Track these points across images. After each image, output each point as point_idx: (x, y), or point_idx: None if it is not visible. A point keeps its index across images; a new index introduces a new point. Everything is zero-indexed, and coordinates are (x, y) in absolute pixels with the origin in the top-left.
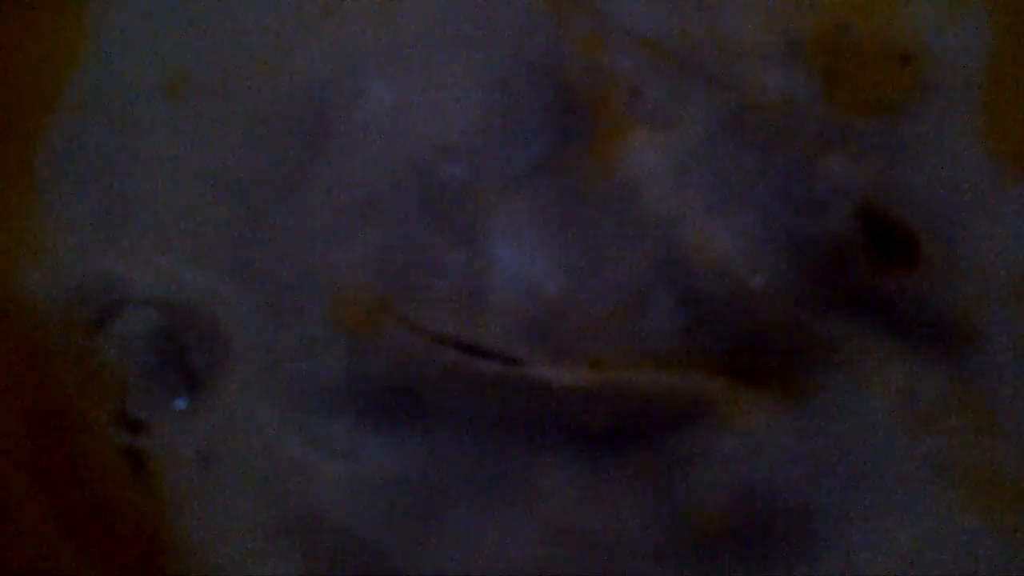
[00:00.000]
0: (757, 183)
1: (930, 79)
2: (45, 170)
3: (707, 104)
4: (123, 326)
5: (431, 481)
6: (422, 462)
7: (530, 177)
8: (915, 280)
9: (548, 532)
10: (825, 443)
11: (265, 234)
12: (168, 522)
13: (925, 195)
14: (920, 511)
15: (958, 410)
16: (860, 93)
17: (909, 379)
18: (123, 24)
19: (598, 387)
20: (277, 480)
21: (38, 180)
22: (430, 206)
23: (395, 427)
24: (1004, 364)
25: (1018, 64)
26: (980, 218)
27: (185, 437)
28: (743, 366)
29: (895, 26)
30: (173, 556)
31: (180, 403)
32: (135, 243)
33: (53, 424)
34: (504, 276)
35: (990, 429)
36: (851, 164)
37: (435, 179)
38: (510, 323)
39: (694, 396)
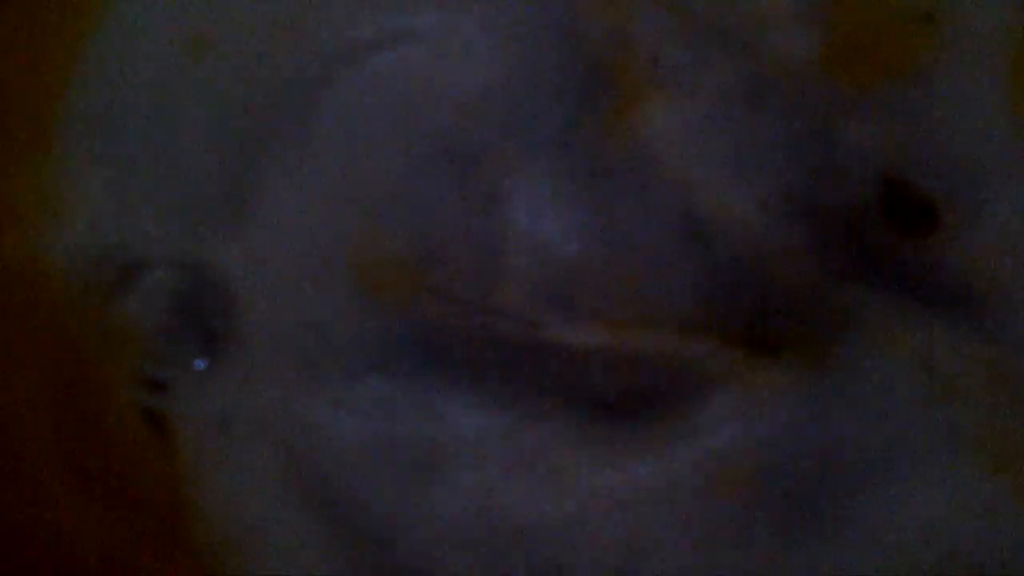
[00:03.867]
0: (776, 149)
1: (952, 40)
2: (65, 133)
3: (727, 70)
4: (142, 288)
5: (450, 444)
6: (440, 427)
7: (550, 141)
8: (934, 246)
9: (569, 496)
10: (844, 411)
11: (283, 196)
12: (188, 483)
13: (945, 160)
14: (939, 479)
15: (978, 378)
16: (882, 56)
17: (928, 346)
18: None
19: (615, 350)
20: (297, 443)
21: (58, 143)
22: (449, 170)
23: (416, 389)
24: None
25: None
26: (1001, 183)
27: (205, 398)
28: (761, 333)
29: None
30: (193, 517)
31: (199, 364)
32: (154, 206)
33: (73, 385)
34: (523, 240)
35: (1010, 397)
36: (870, 130)
37: (455, 142)
38: (527, 286)
39: (712, 363)
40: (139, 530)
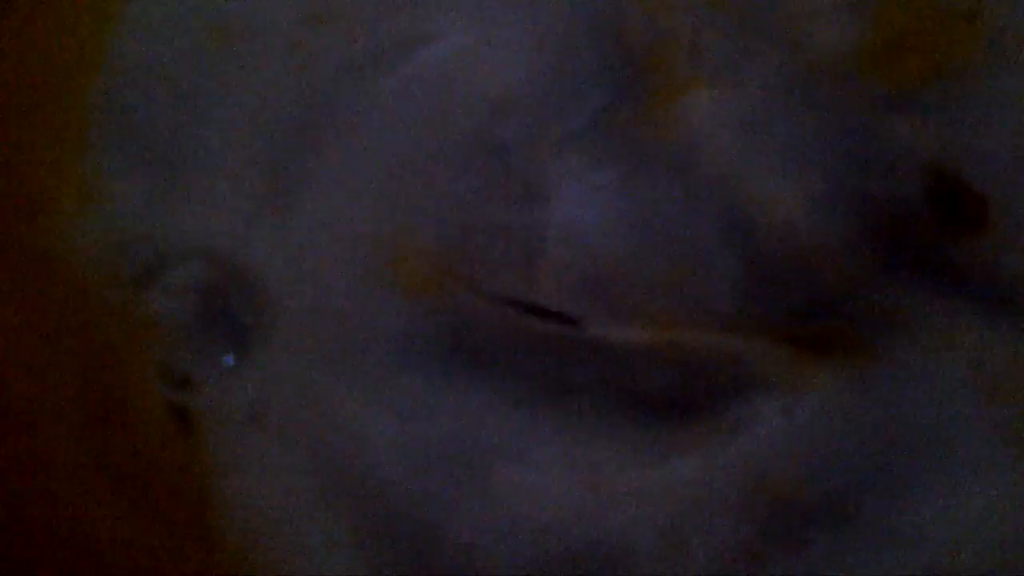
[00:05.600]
0: (822, 143)
1: (996, 38)
2: (93, 125)
3: (769, 62)
4: (170, 281)
5: (485, 441)
6: (476, 422)
7: (587, 134)
8: (983, 244)
9: (610, 496)
10: (891, 411)
11: (315, 186)
12: (215, 480)
13: (993, 156)
14: (989, 479)
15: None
16: (926, 53)
17: (977, 345)
18: None
19: (657, 348)
20: (328, 439)
21: (86, 135)
22: (486, 163)
23: (452, 387)
24: None
25: None
26: None
27: (233, 394)
28: (807, 332)
29: None
30: (219, 514)
31: (228, 360)
32: (182, 198)
33: (99, 379)
34: (561, 234)
35: None
36: (918, 125)
37: (491, 135)
38: (567, 282)
39: (756, 361)
40: (165, 527)
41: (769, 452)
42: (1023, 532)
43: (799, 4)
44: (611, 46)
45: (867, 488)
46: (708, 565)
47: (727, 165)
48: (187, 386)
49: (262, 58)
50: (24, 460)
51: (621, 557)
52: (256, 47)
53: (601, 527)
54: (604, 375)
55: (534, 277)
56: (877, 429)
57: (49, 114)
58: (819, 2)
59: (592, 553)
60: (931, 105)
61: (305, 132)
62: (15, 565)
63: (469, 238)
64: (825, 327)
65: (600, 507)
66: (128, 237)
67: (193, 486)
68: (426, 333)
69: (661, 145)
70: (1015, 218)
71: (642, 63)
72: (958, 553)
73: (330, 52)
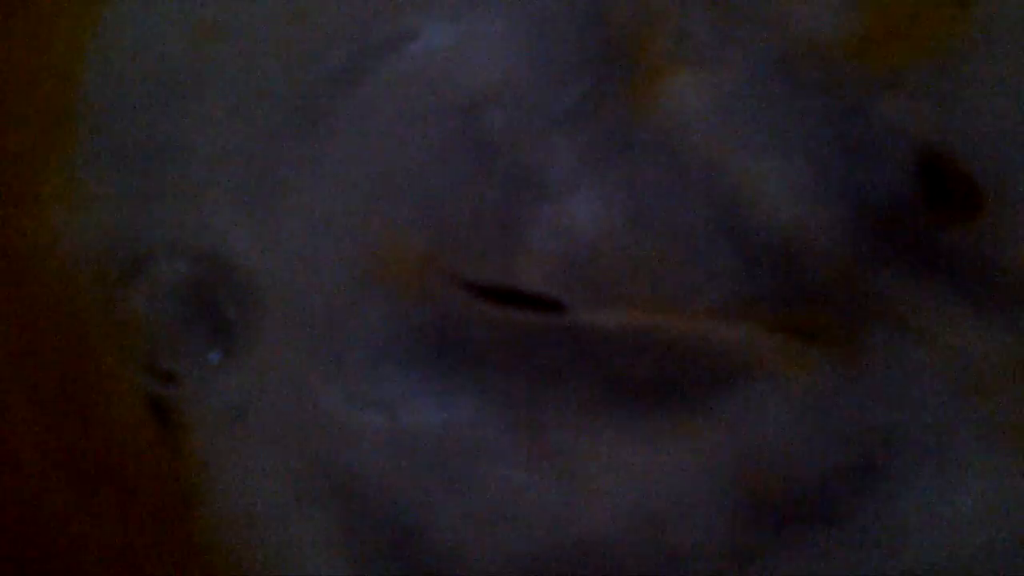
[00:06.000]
0: (809, 127)
1: (989, 21)
2: (76, 124)
3: (754, 44)
4: (154, 277)
5: (472, 437)
6: (463, 418)
7: (571, 119)
8: (975, 232)
9: (596, 488)
10: (877, 401)
11: (300, 183)
12: (199, 478)
13: (985, 142)
14: (978, 477)
15: (1017, 372)
16: (916, 36)
17: (967, 338)
18: None
19: (642, 334)
20: (313, 437)
21: (69, 134)
22: (470, 156)
23: (437, 382)
24: None
25: None
26: None
27: (218, 391)
28: (794, 320)
29: None
30: (203, 513)
31: (213, 357)
32: (167, 196)
33: (79, 377)
34: (545, 219)
35: None
36: (907, 108)
37: (475, 128)
38: (550, 267)
39: (743, 349)
40: (147, 528)
41: (754, 444)
42: (1011, 531)
43: None
44: (595, 31)
45: (853, 482)
46: (694, 560)
47: (713, 149)
48: (172, 383)
49: (245, 55)
50: None
51: (607, 552)
52: (239, 44)
53: (586, 522)
54: (588, 363)
55: (517, 264)
56: (864, 422)
57: (31, 113)
58: None
59: (578, 549)
60: (921, 88)
61: (290, 129)
62: None
63: (453, 232)
64: (813, 315)
65: (585, 501)
66: (112, 235)
67: (177, 485)
68: (411, 329)
69: (646, 130)
70: (1008, 206)
71: (626, 47)
72: (945, 551)
73: (314, 49)
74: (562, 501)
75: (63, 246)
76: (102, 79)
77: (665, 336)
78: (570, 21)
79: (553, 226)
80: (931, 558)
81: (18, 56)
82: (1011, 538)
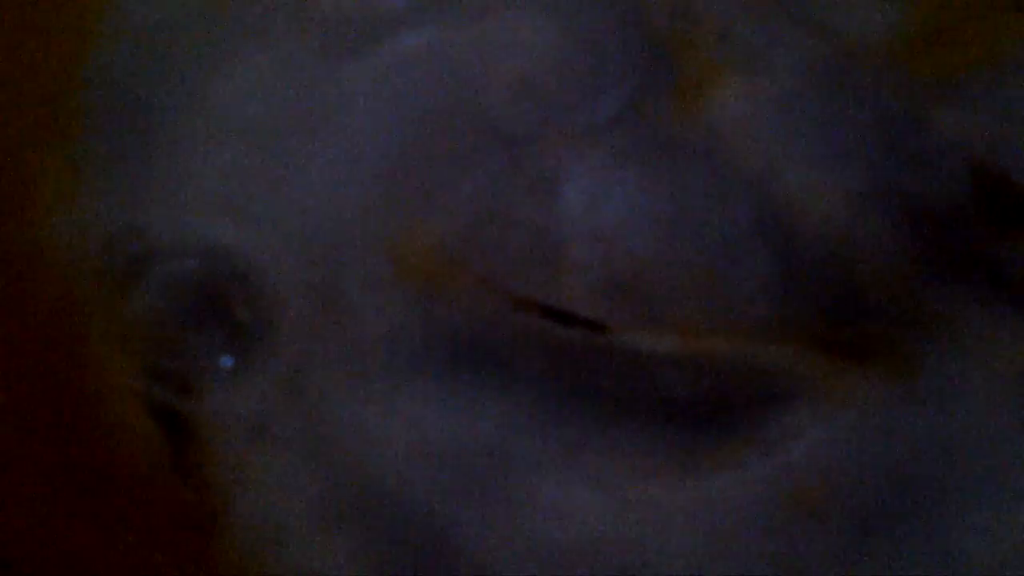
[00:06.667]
0: (861, 135)
1: None
2: (76, 120)
3: (804, 49)
4: (158, 277)
5: (503, 451)
6: (493, 431)
7: (611, 124)
8: None
9: (632, 506)
10: (931, 422)
11: (318, 181)
12: (216, 492)
13: None
14: None
15: None
16: (972, 41)
17: (1022, 354)
18: None
19: (688, 357)
20: (332, 447)
21: (71, 129)
22: (499, 151)
23: (465, 393)
24: None
25: None
26: None
27: (236, 400)
28: (844, 338)
29: None
30: (221, 532)
31: (227, 361)
32: (173, 191)
33: (80, 386)
34: (582, 229)
35: None
36: (963, 118)
37: (505, 122)
38: (591, 282)
39: (791, 369)
40: (159, 547)
41: (805, 466)
42: None
43: None
44: (637, 33)
45: (906, 506)
46: None
47: (760, 158)
48: (185, 391)
49: (254, 42)
50: None
51: (649, 574)
52: (248, 30)
53: (628, 548)
54: (630, 385)
55: (554, 275)
56: (917, 444)
57: (32, 108)
58: None
59: (620, 572)
60: (977, 97)
61: (309, 123)
62: None
63: (481, 232)
64: (863, 332)
65: (627, 526)
66: (115, 232)
67: (191, 500)
68: (438, 334)
69: (689, 137)
70: None
71: (669, 51)
72: (1008, 572)
73: (332, 32)
74: (601, 526)
75: (63, 247)
76: (105, 75)
77: (710, 358)
78: (609, 22)
79: (591, 238)
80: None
81: (17, 52)
82: None
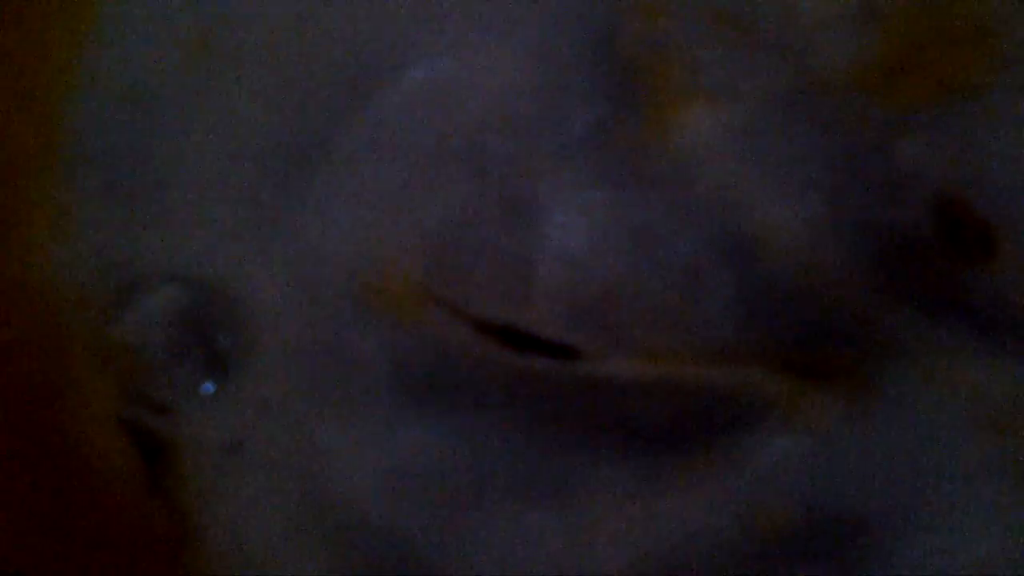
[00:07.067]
0: (826, 163)
1: (1008, 58)
2: (66, 147)
3: (771, 77)
4: (144, 305)
5: (472, 474)
6: (463, 454)
7: (580, 150)
8: (992, 274)
9: (599, 531)
10: (893, 444)
11: (293, 209)
12: (192, 515)
13: (1003, 183)
14: (994, 520)
15: None
16: (934, 72)
17: (982, 378)
18: None
19: (653, 382)
20: (308, 470)
21: (59, 157)
22: (473, 181)
23: (435, 417)
24: None
25: None
26: None
27: (213, 423)
28: (807, 362)
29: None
30: (198, 553)
31: (207, 387)
32: (160, 221)
33: (60, 407)
34: (552, 255)
35: None
36: (925, 148)
37: (479, 153)
38: (559, 308)
39: (756, 394)
40: (130, 566)
41: (768, 487)
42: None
43: (803, 18)
44: (606, 59)
45: (867, 526)
46: None
47: (725, 184)
48: (165, 415)
49: (245, 79)
50: None
51: None
52: (238, 68)
53: (594, 565)
54: (597, 410)
55: (522, 300)
56: (878, 464)
57: (19, 135)
58: (823, 16)
59: None
60: (939, 127)
61: (289, 155)
62: None
63: (454, 261)
64: (826, 356)
65: (592, 541)
66: (102, 262)
67: (166, 521)
68: (410, 363)
69: (657, 162)
70: (1023, 250)
71: (638, 77)
72: None
73: (313, 74)
74: (569, 541)
75: (49, 274)
76: (94, 104)
77: (676, 383)
78: (578, 49)
79: (560, 262)
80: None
81: (5, 80)
82: None
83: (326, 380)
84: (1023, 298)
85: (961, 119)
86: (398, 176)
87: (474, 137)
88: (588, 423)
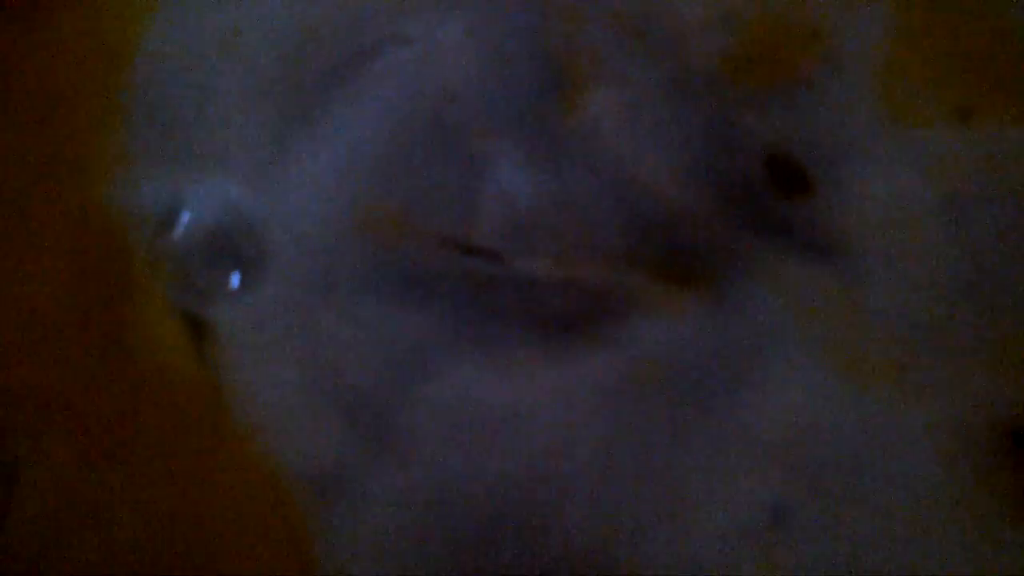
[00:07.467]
0: (692, 131)
1: (834, 53)
2: (127, 102)
3: (657, 67)
4: (186, 223)
5: (434, 345)
6: (428, 332)
7: (516, 119)
8: (806, 206)
9: (515, 386)
10: (731, 329)
11: (307, 158)
12: (225, 375)
13: (821, 143)
14: (804, 379)
15: (837, 306)
16: (776, 63)
17: (800, 281)
18: None
19: (562, 280)
20: (311, 346)
21: (121, 113)
22: (436, 140)
23: (407, 308)
24: (875, 272)
25: (907, 41)
26: (863, 162)
27: (239, 310)
28: (674, 270)
29: (808, 5)
30: (228, 406)
31: (235, 280)
32: (196, 157)
33: (124, 301)
34: (492, 193)
35: (861, 321)
36: (761, 118)
37: (441, 119)
38: (496, 228)
39: (635, 290)
40: (181, 419)
41: (644, 359)
42: (830, 416)
43: (680, 20)
44: (537, 54)
45: (711, 385)
46: (588, 448)
47: (620, 145)
48: (205, 303)
49: (262, 53)
50: (45, 359)
51: (524, 439)
52: (256, 45)
53: (516, 414)
54: (519, 299)
55: (470, 223)
56: (723, 343)
57: (92, 96)
58: (697, 22)
59: (509, 435)
60: (774, 104)
61: (295, 112)
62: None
63: (423, 199)
64: (687, 266)
65: (512, 400)
66: (154, 190)
67: (207, 381)
68: (387, 268)
69: (571, 131)
70: (831, 188)
71: (559, 67)
72: (781, 433)
73: (315, 50)
74: (502, 400)
75: (114, 201)
76: (149, 70)
77: (577, 281)
78: (519, 45)
79: (498, 199)
80: (772, 439)
81: (82, 52)
82: (830, 420)
83: (327, 279)
84: (828, 222)
85: (793, 99)
86: (381, 133)
87: (439, 107)
88: (511, 309)
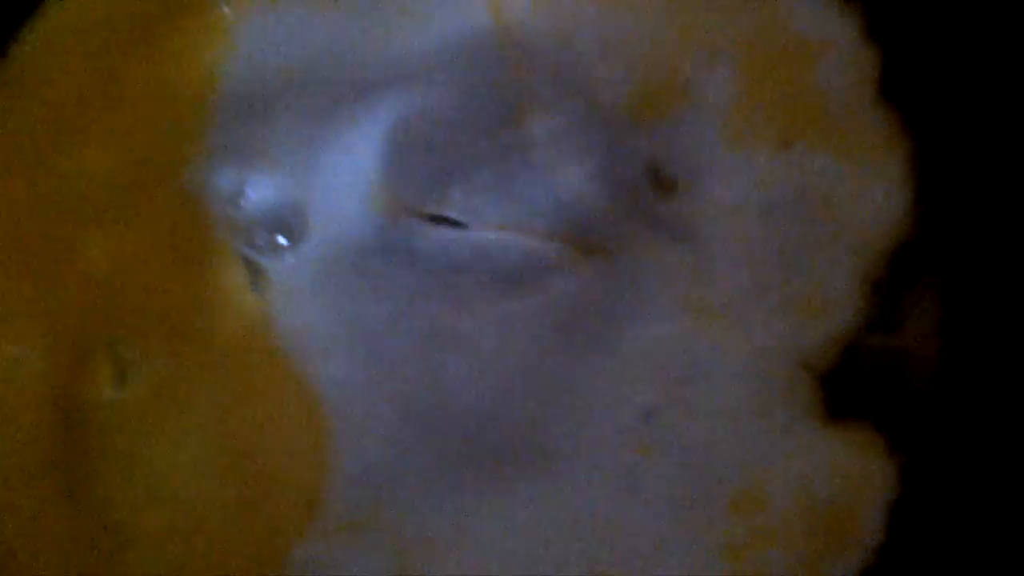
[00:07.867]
0: (601, 148)
1: (697, 101)
2: (212, 102)
3: (580, 102)
4: (251, 196)
5: (416, 290)
6: (410, 280)
7: (477, 136)
8: (676, 205)
9: (476, 313)
10: (621, 284)
11: (336, 156)
12: (273, 311)
13: (685, 160)
14: (666, 320)
15: (691, 272)
16: (661, 104)
17: (667, 256)
18: (257, 33)
19: (506, 244)
20: (338, 292)
21: (206, 120)
22: (426, 152)
23: (399, 267)
24: (717, 250)
25: (748, 89)
26: (713, 174)
27: (286, 259)
28: (584, 242)
29: (681, 64)
30: (276, 331)
31: (284, 240)
32: (260, 146)
33: (206, 251)
34: (460, 187)
35: (705, 282)
36: (647, 142)
37: (427, 140)
38: (460, 207)
39: (557, 255)
40: (242, 331)
41: (562, 299)
42: (681, 344)
43: (594, 73)
44: (497, 91)
45: (607, 323)
46: (530, 356)
47: (549, 155)
48: (262, 254)
49: (307, 87)
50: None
51: (465, 371)
52: (305, 68)
53: (457, 346)
54: (477, 259)
55: (444, 206)
56: (614, 293)
57: (184, 99)
58: (605, 74)
59: (458, 363)
60: (656, 131)
61: (327, 121)
62: None
63: (411, 189)
64: (595, 241)
65: (460, 334)
66: (228, 170)
67: (260, 310)
68: (391, 237)
69: (519, 143)
70: (692, 192)
71: (511, 97)
72: (651, 356)
73: (345, 76)
74: (445, 329)
75: (198, 179)
76: (227, 91)
77: (516, 245)
78: (478, 83)
79: (461, 189)
80: (646, 358)
81: (180, 64)
82: (684, 347)
83: (347, 246)
84: (688, 215)
85: (668, 128)
86: (388, 143)
87: (426, 133)
88: (472, 268)
